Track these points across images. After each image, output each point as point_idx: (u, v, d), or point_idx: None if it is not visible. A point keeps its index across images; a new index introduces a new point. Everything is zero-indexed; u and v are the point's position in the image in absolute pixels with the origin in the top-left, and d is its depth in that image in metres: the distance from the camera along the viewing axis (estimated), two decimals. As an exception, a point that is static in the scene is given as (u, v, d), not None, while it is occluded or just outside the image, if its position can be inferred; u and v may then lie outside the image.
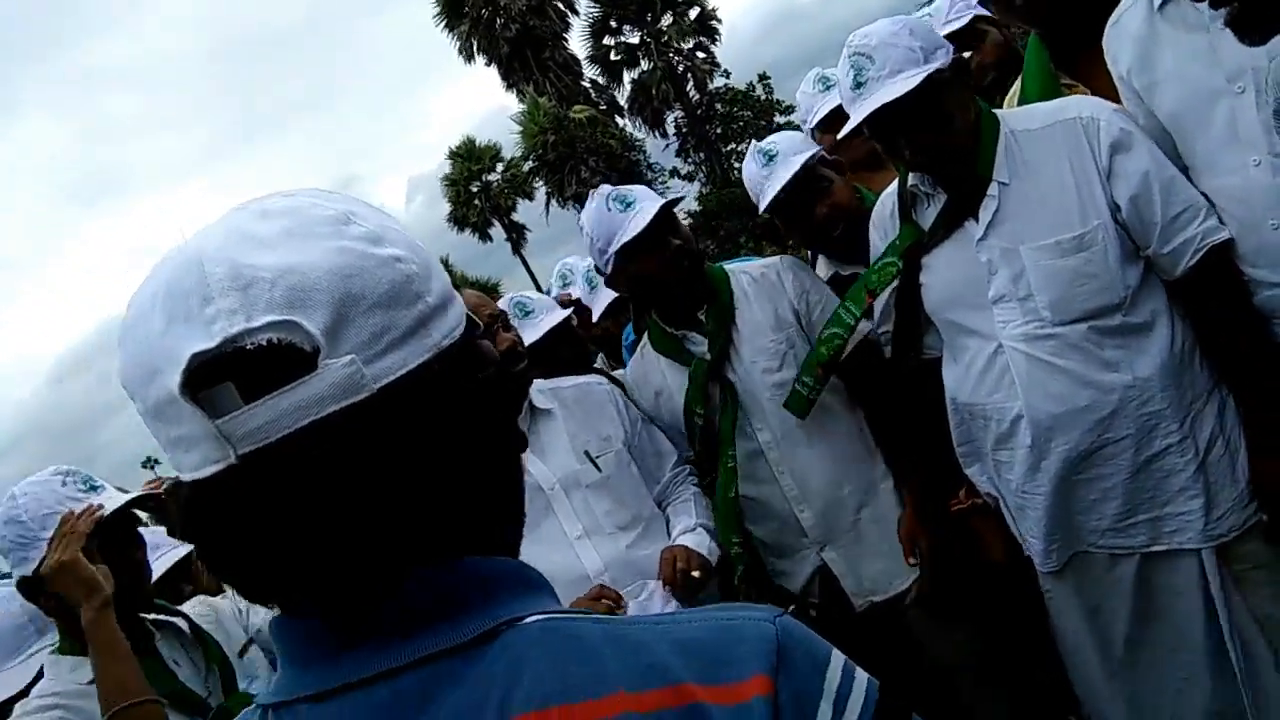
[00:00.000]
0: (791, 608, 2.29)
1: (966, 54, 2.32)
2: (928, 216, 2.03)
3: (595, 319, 3.06)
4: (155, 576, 1.99)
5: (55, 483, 1.70)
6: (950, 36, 2.26)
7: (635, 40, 30.44)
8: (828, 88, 2.70)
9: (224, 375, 0.57)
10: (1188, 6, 1.68)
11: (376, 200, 0.72)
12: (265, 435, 0.57)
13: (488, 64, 30.21)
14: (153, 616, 1.83)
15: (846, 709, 0.60)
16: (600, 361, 3.21)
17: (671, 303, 2.30)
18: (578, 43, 30.58)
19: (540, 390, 2.25)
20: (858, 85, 1.89)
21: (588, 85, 31.14)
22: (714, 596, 2.18)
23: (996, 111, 1.99)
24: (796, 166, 2.34)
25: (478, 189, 30.25)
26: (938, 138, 1.89)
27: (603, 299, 3.00)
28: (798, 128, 3.07)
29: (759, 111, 30.84)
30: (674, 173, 30.65)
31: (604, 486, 2.15)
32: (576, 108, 28.11)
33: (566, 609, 0.66)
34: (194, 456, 0.60)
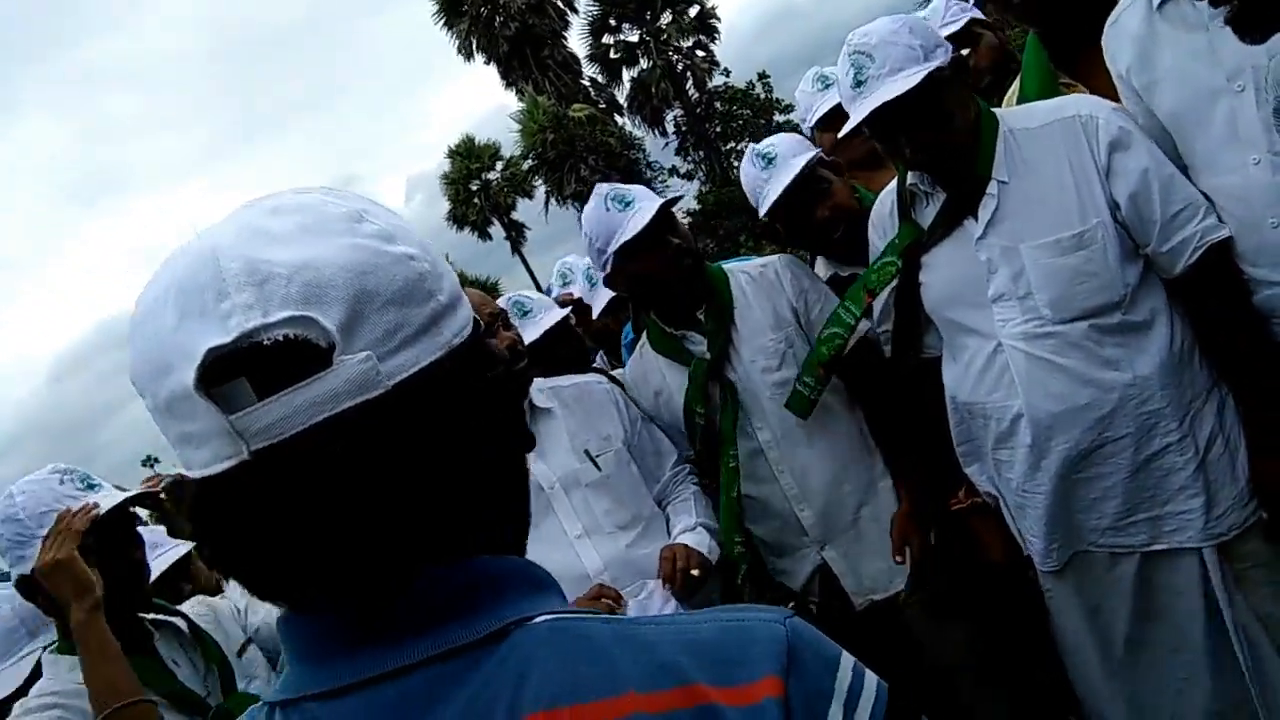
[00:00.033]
0: (791, 605, 2.29)
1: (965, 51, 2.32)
2: (927, 215, 2.03)
3: (595, 316, 3.06)
4: (154, 576, 1.99)
5: (53, 481, 1.70)
6: (946, 39, 2.26)
7: (634, 38, 30.42)
8: (826, 86, 2.69)
9: (238, 371, 0.57)
10: (1187, 5, 1.68)
11: (376, 199, 0.72)
12: (279, 431, 0.57)
13: (487, 62, 30.21)
14: (151, 616, 1.83)
15: (857, 710, 0.60)
16: (600, 360, 3.21)
17: (671, 302, 2.30)
18: (577, 41, 30.60)
19: (540, 389, 2.25)
20: (858, 84, 1.89)
21: (587, 84, 31.13)
22: (716, 596, 2.18)
23: (995, 110, 1.99)
24: (797, 169, 2.33)
25: (477, 187, 30.25)
26: (938, 135, 1.89)
27: (603, 296, 2.99)
28: (797, 126, 3.06)
29: (758, 110, 30.83)
30: (673, 171, 30.67)
31: (604, 485, 2.15)
32: (576, 106, 28.09)
33: (575, 609, 0.66)
34: (205, 453, 0.60)
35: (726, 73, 31.44)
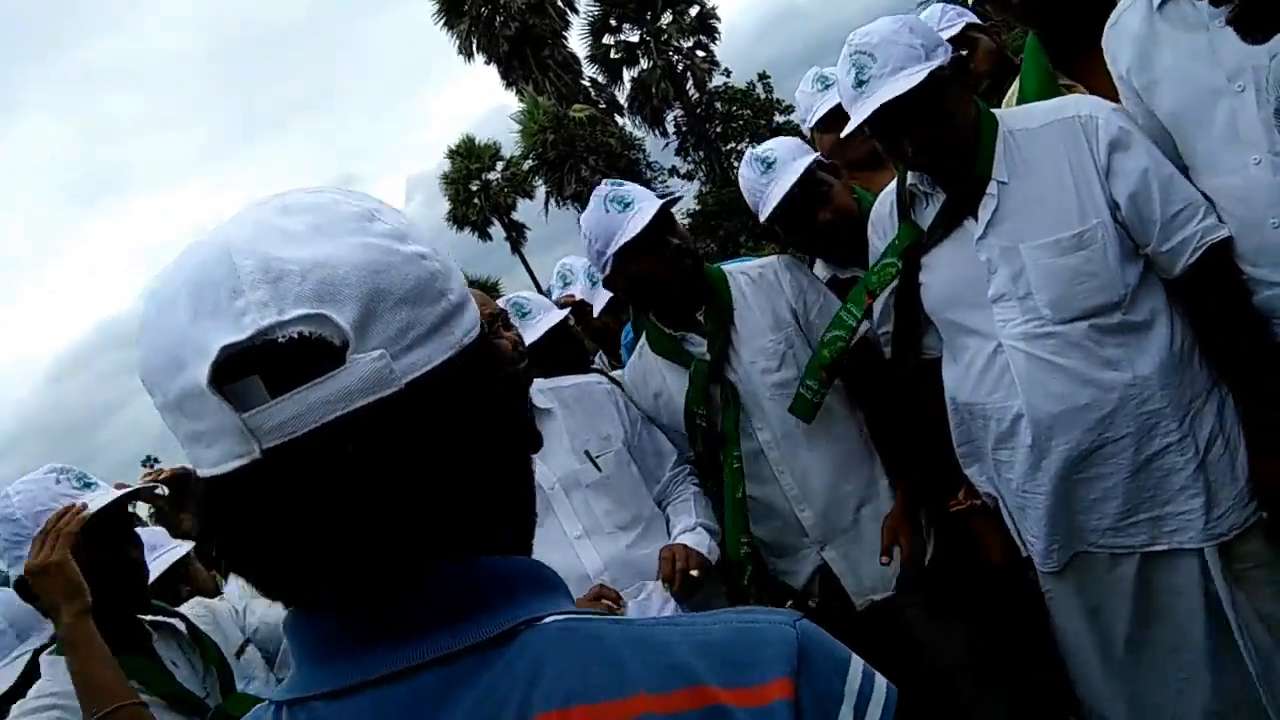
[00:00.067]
0: (790, 603, 2.29)
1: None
2: (926, 216, 2.03)
3: (596, 314, 3.06)
4: (153, 577, 1.98)
5: (49, 481, 1.70)
6: None
7: (635, 39, 30.43)
8: (826, 87, 2.69)
9: (251, 369, 0.57)
10: (1187, 5, 1.68)
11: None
12: (291, 429, 0.57)
13: (487, 63, 30.22)
14: (150, 617, 1.83)
15: (867, 713, 0.60)
16: (599, 361, 3.21)
17: (671, 303, 2.29)
18: (577, 41, 30.61)
19: (540, 390, 2.25)
20: (860, 83, 1.88)
21: (587, 84, 31.14)
22: (720, 596, 2.18)
23: (995, 111, 1.99)
24: (798, 173, 2.30)
25: (477, 188, 30.28)
26: (939, 134, 1.89)
27: (604, 294, 2.99)
28: (797, 127, 3.06)
29: (758, 110, 30.84)
30: (673, 171, 30.70)
31: (604, 486, 2.15)
32: (576, 106, 28.10)
33: (584, 610, 0.66)
34: (215, 451, 0.59)
35: (727, 73, 31.51)
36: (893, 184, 2.12)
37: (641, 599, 1.94)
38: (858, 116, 1.89)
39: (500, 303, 2.44)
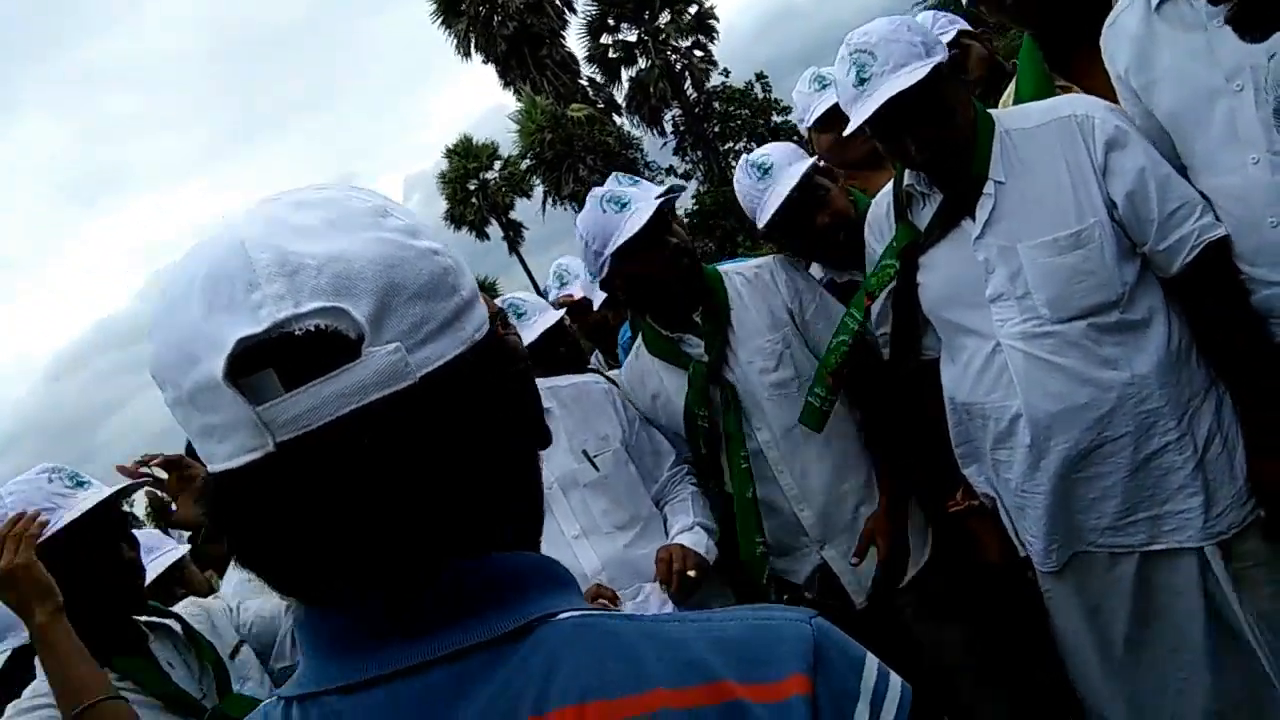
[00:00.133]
0: (786, 597, 2.30)
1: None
2: (923, 216, 2.02)
3: (595, 308, 3.06)
4: (150, 579, 1.98)
5: (41, 480, 1.69)
6: None
7: (633, 38, 30.43)
8: (824, 87, 2.68)
9: (266, 362, 0.57)
10: (1185, 5, 1.68)
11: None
12: (306, 423, 0.57)
13: (485, 62, 30.22)
14: (145, 618, 1.82)
15: (883, 711, 0.60)
16: (595, 360, 3.20)
17: (669, 303, 2.28)
18: (575, 41, 30.61)
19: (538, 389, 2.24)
20: (861, 81, 1.88)
21: (585, 83, 31.14)
22: (719, 596, 2.17)
23: (991, 111, 1.99)
24: (796, 179, 2.28)
25: (475, 187, 30.27)
26: (940, 131, 1.88)
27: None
28: (795, 127, 3.05)
29: (756, 110, 30.85)
30: (671, 171, 30.66)
31: (602, 486, 2.15)
32: (574, 106, 28.10)
33: (597, 607, 0.66)
34: (228, 446, 0.59)
35: (725, 73, 31.53)
36: (889, 185, 2.11)
37: (639, 601, 1.94)
38: (860, 115, 1.88)
39: (496, 303, 2.44)
